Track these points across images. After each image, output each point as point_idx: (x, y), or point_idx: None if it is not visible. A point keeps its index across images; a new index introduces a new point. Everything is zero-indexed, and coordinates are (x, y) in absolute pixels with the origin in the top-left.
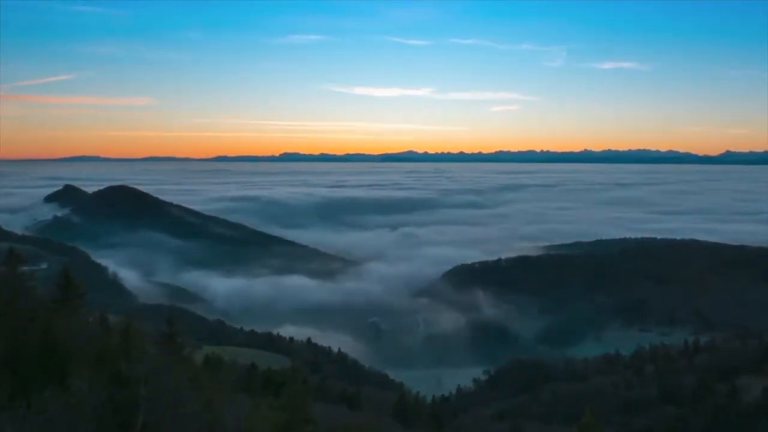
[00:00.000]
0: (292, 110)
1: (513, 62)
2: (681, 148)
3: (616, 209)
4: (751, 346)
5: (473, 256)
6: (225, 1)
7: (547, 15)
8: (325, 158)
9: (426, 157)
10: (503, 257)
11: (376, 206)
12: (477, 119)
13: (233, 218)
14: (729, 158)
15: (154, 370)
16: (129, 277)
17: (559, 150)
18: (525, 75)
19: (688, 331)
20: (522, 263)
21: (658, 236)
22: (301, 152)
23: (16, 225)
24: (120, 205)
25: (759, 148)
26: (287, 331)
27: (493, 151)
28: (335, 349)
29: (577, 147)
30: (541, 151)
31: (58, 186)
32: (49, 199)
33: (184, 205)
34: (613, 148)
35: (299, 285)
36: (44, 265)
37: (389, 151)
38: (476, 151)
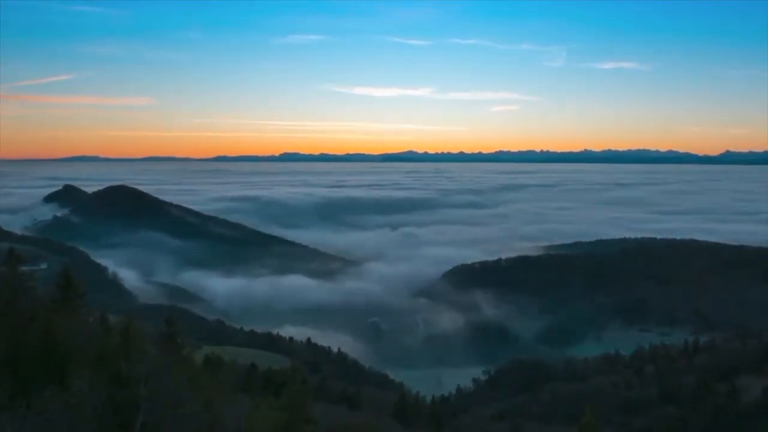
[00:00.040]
0: (292, 110)
1: (513, 62)
2: (681, 148)
3: (616, 209)
4: (750, 346)
5: (473, 256)
6: (225, 1)
7: (547, 15)
8: (325, 158)
9: (426, 157)
10: (503, 257)
11: (376, 206)
12: (477, 119)
13: (233, 218)
14: (729, 158)
15: (154, 370)
16: (129, 277)
17: (559, 150)
18: (525, 75)
19: (688, 331)
20: (522, 263)
21: (658, 236)
22: (301, 152)
23: (16, 225)
24: (120, 205)
25: (759, 148)
26: (287, 331)
27: (492, 151)
28: (335, 349)
29: (576, 147)
30: (541, 151)
31: (57, 186)
32: (49, 199)
33: (184, 205)
34: (612, 148)
35: (299, 285)
36: (44, 265)
37: (389, 151)
38: (476, 151)
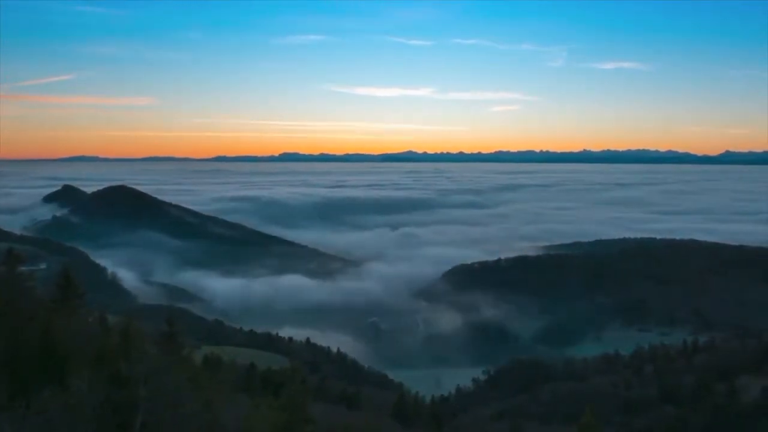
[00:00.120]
0: (292, 110)
1: (513, 62)
2: (680, 148)
3: (615, 209)
4: (750, 346)
5: (473, 256)
6: (225, 1)
7: (547, 15)
8: (324, 158)
9: (425, 157)
10: (503, 257)
11: (376, 206)
12: (477, 119)
13: (233, 218)
14: (728, 158)
15: (153, 370)
16: (128, 277)
17: (559, 150)
18: (525, 75)
19: (688, 331)
20: (521, 263)
21: (658, 236)
22: (301, 152)
23: (16, 225)
24: (119, 205)
25: (758, 148)
26: (286, 331)
27: (492, 151)
28: (334, 350)
29: (576, 147)
30: (541, 151)
31: (57, 186)
32: (48, 199)
33: (184, 205)
34: (612, 148)
35: (298, 285)
36: (43, 266)
37: (389, 151)
38: (476, 151)
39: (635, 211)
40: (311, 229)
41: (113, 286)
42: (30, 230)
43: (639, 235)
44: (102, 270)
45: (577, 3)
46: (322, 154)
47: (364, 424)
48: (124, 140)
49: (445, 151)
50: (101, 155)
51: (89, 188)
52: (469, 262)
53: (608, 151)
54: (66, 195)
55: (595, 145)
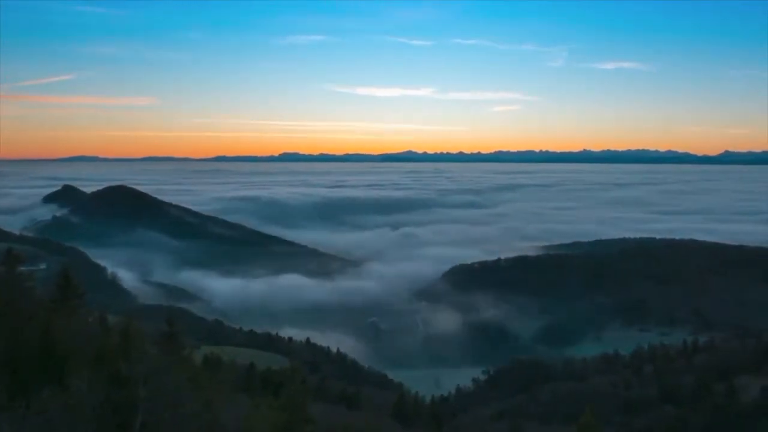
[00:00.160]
0: (292, 110)
1: (514, 62)
2: (680, 148)
3: (615, 209)
4: (749, 346)
5: (472, 256)
6: (226, 1)
7: (548, 15)
8: (324, 158)
9: (425, 157)
10: (502, 257)
11: (376, 206)
12: (477, 119)
13: (232, 218)
14: (728, 158)
15: (153, 370)
16: (128, 277)
17: (558, 150)
18: (526, 75)
19: (688, 331)
20: (521, 263)
21: (658, 236)
22: (301, 152)
23: (15, 225)
24: (119, 205)
25: (758, 148)
26: (286, 331)
27: (492, 151)
28: (334, 350)
29: (576, 147)
30: (541, 151)
31: (56, 186)
32: (48, 199)
33: (184, 205)
34: (612, 148)
35: (298, 285)
36: (43, 266)
37: (388, 151)
38: (475, 152)
39: (635, 211)
40: (311, 229)
41: (113, 286)
42: (30, 230)
43: (639, 235)
44: (102, 270)
45: (577, 3)
46: (321, 154)
47: (364, 424)
48: (124, 140)
49: (444, 151)
50: (101, 155)
51: (89, 188)
52: (468, 262)
53: (608, 151)
54: (66, 195)
55: (595, 145)
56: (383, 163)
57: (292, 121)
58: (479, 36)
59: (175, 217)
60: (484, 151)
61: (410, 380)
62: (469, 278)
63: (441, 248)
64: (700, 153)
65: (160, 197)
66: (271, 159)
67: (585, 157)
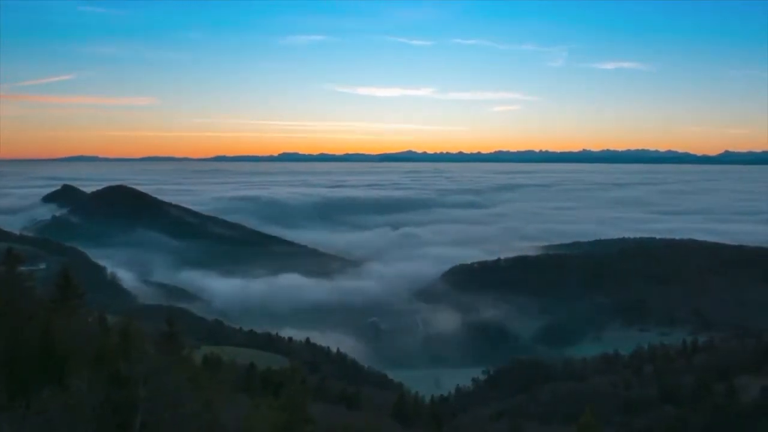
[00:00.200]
0: (292, 110)
1: (514, 62)
2: (680, 148)
3: (615, 209)
4: (749, 346)
5: (472, 256)
6: (226, 1)
7: (548, 15)
8: (324, 158)
9: (425, 157)
10: (502, 257)
11: (376, 206)
12: (477, 119)
13: (232, 218)
14: (728, 158)
15: (153, 370)
16: (127, 277)
17: (558, 150)
18: (526, 75)
19: (687, 331)
20: (521, 263)
21: (657, 236)
22: (301, 152)
23: (15, 225)
24: (119, 205)
25: (758, 148)
26: (286, 331)
27: (492, 151)
28: (334, 349)
29: (575, 147)
30: (540, 151)
31: (56, 186)
32: (48, 199)
33: (183, 205)
34: (611, 148)
35: (298, 285)
36: (43, 265)
37: (388, 151)
38: (475, 152)
39: (635, 211)
40: (311, 229)
41: (113, 286)
42: (29, 230)
43: (638, 235)
44: (101, 270)
45: (577, 3)
46: (321, 154)
47: (364, 424)
48: (124, 140)
49: (444, 151)
50: (101, 155)
51: (89, 188)
52: (468, 262)
53: (608, 151)
54: (65, 195)
55: (595, 145)
56: (383, 163)
57: (292, 121)
58: (479, 36)
59: (175, 217)
60: (483, 151)
61: (410, 380)
62: (468, 278)
63: (441, 248)
64: (699, 153)
65: (160, 197)
66: (270, 159)
67: (585, 157)
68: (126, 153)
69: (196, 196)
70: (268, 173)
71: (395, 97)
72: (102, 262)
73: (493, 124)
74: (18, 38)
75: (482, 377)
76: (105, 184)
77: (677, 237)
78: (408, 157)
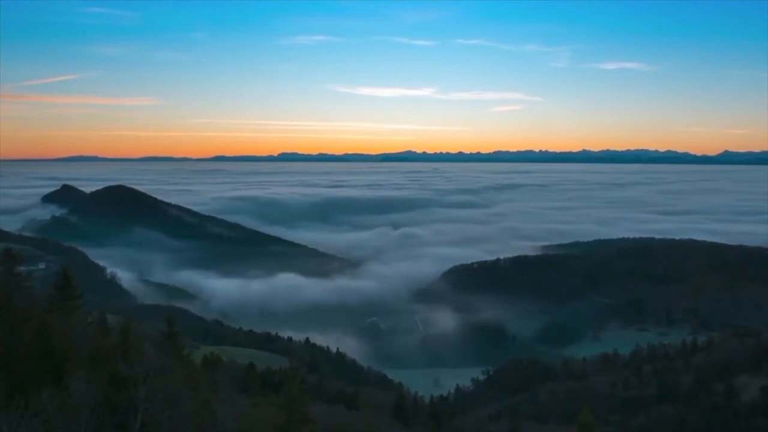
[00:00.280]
0: (294, 110)
1: (516, 63)
2: (679, 148)
3: (614, 209)
4: (748, 346)
5: (472, 255)
6: (229, 1)
7: (551, 16)
8: (323, 158)
9: (424, 157)
10: (502, 257)
11: (375, 206)
12: (479, 120)
13: (232, 218)
14: (727, 158)
15: (152, 371)
16: (127, 277)
17: (558, 150)
18: (528, 75)
19: (686, 331)
20: (520, 263)
21: (657, 236)
22: (300, 152)
23: (14, 225)
24: (118, 205)
25: (757, 149)
26: (285, 331)
27: (491, 151)
28: (334, 349)
29: (575, 147)
30: (540, 151)
31: (56, 186)
32: (47, 199)
33: (183, 205)
34: (611, 148)
35: (297, 285)
36: (42, 265)
37: (388, 151)
38: (475, 151)
39: (634, 211)
40: (310, 229)
41: (112, 285)
42: (29, 230)
43: (638, 235)
44: (101, 270)
45: (580, 4)
46: (321, 154)
47: (363, 424)
48: (124, 140)
49: (444, 151)
50: (101, 155)
51: (88, 188)
52: (468, 262)
53: (607, 151)
54: (65, 195)
55: (595, 145)
56: (383, 163)
57: (292, 121)
58: (482, 36)
59: (174, 217)
60: (483, 151)
61: (409, 380)
62: (468, 278)
63: (440, 248)
64: (699, 153)
65: (159, 197)
66: (270, 159)
67: (584, 157)
68: (126, 153)
69: (196, 196)
70: (267, 173)
71: (396, 98)
72: (101, 262)
73: (493, 125)
74: (20, 39)
75: (481, 377)
76: (104, 184)
77: (676, 237)
78: (408, 157)
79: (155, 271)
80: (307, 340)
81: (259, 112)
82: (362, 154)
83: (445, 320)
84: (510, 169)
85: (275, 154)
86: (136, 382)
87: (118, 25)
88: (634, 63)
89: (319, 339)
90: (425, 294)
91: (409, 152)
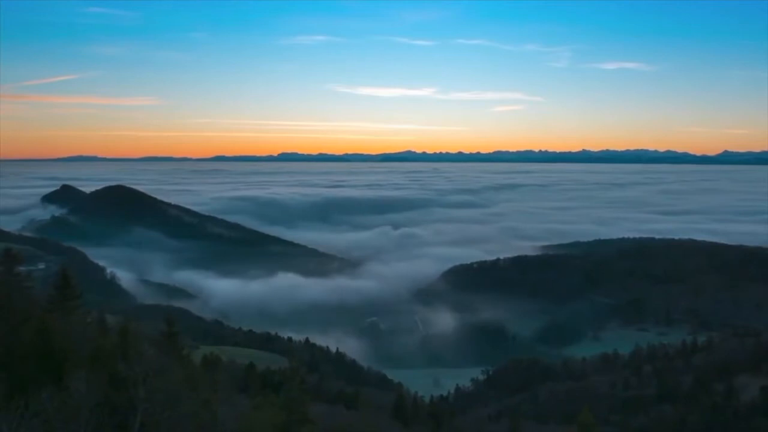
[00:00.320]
0: (294, 110)
1: (517, 63)
2: (679, 148)
3: (614, 209)
4: (748, 346)
5: (471, 255)
6: (229, 1)
7: (551, 16)
8: (323, 158)
9: (424, 157)
10: (501, 257)
11: (375, 206)
12: (479, 120)
13: (231, 218)
14: (727, 158)
15: (152, 371)
16: (126, 277)
17: (557, 150)
18: (528, 75)
19: (686, 331)
20: (520, 263)
21: (656, 236)
22: (300, 152)
23: (14, 225)
24: (117, 205)
25: (757, 149)
26: (285, 331)
27: (491, 151)
28: (333, 349)
29: (575, 147)
30: (539, 151)
31: (55, 186)
32: (47, 199)
33: (183, 205)
34: (611, 148)
35: (297, 285)
36: (41, 265)
37: (388, 151)
38: (475, 151)
39: (634, 211)
40: (310, 229)
41: (112, 285)
42: (28, 230)
43: (637, 235)
44: (100, 270)
45: (580, 4)
46: (320, 154)
47: (362, 424)
48: (123, 140)
49: (444, 151)
50: (100, 155)
51: (88, 188)
52: (467, 262)
53: (607, 151)
54: (64, 195)
55: (594, 145)
56: (382, 163)
57: (292, 121)
58: (482, 36)
59: (173, 216)
60: (483, 151)
61: (409, 380)
62: (468, 278)
63: (440, 248)
64: (699, 153)
65: (159, 197)
66: (270, 159)
67: (584, 157)
68: (126, 153)
69: (196, 196)
70: (267, 173)
71: (396, 98)
72: (101, 262)
73: (493, 125)
74: (20, 39)
75: (481, 377)
76: (104, 184)
77: (676, 237)
78: (407, 157)
79: (155, 271)
80: (307, 340)
81: (259, 112)
82: (362, 154)
83: (445, 320)
84: (510, 169)
85: (275, 154)
86: (135, 382)
87: (118, 25)
88: (634, 63)
89: (319, 339)
90: (425, 294)
91: (409, 152)
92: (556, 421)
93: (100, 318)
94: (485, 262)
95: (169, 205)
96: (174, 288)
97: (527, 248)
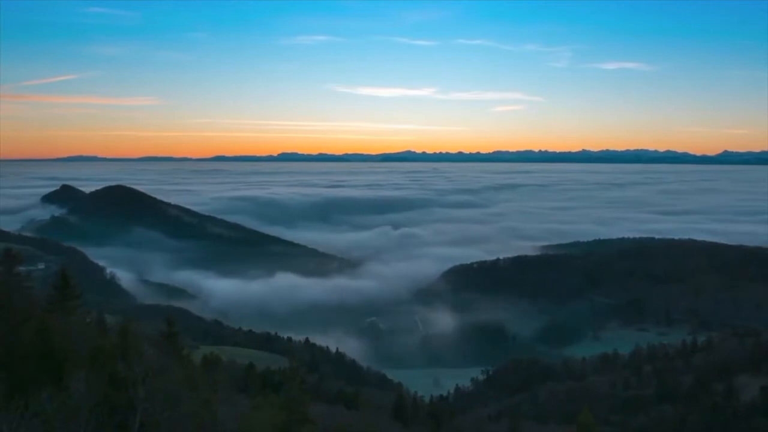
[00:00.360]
0: (294, 110)
1: (517, 63)
2: (679, 148)
3: (614, 209)
4: (748, 346)
5: (471, 255)
6: (229, 1)
7: (551, 16)
8: (323, 158)
9: (424, 157)
10: (501, 257)
11: (375, 206)
12: (479, 120)
13: (231, 218)
14: (727, 158)
15: (151, 371)
16: (126, 277)
17: (557, 150)
18: (529, 75)
19: (686, 331)
20: (520, 263)
21: (656, 236)
22: (300, 152)
23: (14, 225)
24: (117, 205)
25: (757, 149)
26: (285, 331)
27: (491, 151)
28: (333, 349)
29: (575, 147)
30: (539, 151)
31: (55, 186)
32: (47, 199)
33: (182, 205)
34: (611, 148)
35: (297, 285)
36: (41, 266)
37: (388, 151)
38: (475, 151)
39: (634, 211)
40: (310, 229)
41: (111, 285)
42: (28, 230)
43: (637, 235)
44: (100, 270)
45: (580, 4)
46: (320, 154)
47: (362, 424)
48: (123, 140)
49: (444, 151)
50: (100, 155)
51: (88, 188)
52: (467, 262)
53: (607, 151)
54: (64, 195)
55: (594, 145)
56: (382, 163)
57: (292, 121)
58: (483, 36)
59: (173, 216)
60: (483, 151)
61: (409, 380)
62: (468, 278)
63: (440, 248)
64: (698, 153)
65: (158, 197)
66: (270, 159)
67: (584, 157)
68: (125, 153)
69: (196, 196)
70: (267, 173)
71: (396, 98)
72: (101, 262)
73: (493, 125)
74: (20, 39)
75: (481, 377)
76: (104, 184)
77: (676, 237)
78: (407, 157)
79: (155, 271)
80: (307, 340)
81: (259, 112)
82: (362, 154)
83: (444, 320)
84: (510, 169)
85: (275, 154)
86: (135, 382)
87: (118, 25)
88: (634, 63)
89: (319, 339)
90: (425, 294)
91: (409, 152)
92: (556, 421)
93: (99, 318)
94: (485, 262)
95: (169, 205)
96: (174, 288)
97: (527, 248)
